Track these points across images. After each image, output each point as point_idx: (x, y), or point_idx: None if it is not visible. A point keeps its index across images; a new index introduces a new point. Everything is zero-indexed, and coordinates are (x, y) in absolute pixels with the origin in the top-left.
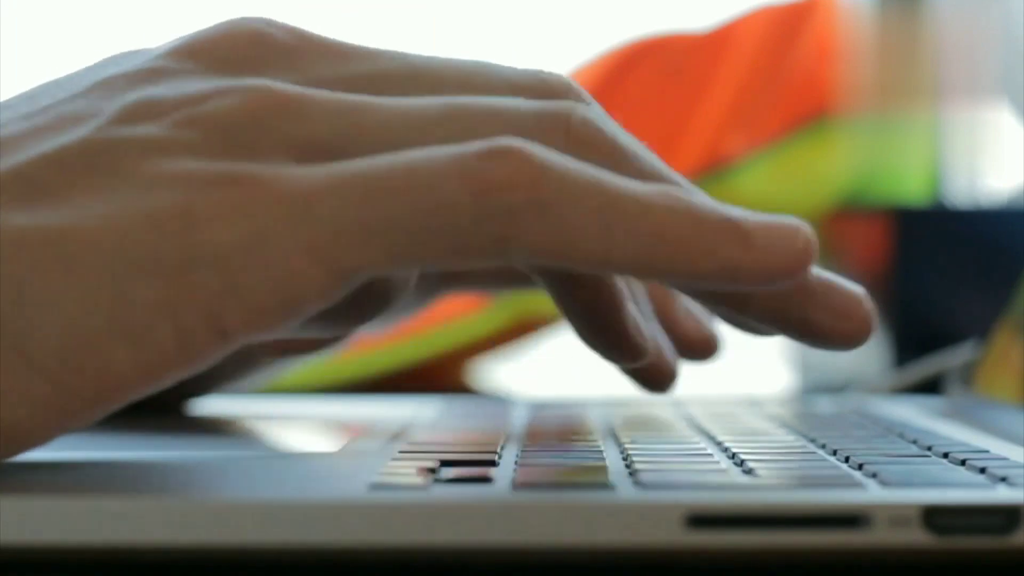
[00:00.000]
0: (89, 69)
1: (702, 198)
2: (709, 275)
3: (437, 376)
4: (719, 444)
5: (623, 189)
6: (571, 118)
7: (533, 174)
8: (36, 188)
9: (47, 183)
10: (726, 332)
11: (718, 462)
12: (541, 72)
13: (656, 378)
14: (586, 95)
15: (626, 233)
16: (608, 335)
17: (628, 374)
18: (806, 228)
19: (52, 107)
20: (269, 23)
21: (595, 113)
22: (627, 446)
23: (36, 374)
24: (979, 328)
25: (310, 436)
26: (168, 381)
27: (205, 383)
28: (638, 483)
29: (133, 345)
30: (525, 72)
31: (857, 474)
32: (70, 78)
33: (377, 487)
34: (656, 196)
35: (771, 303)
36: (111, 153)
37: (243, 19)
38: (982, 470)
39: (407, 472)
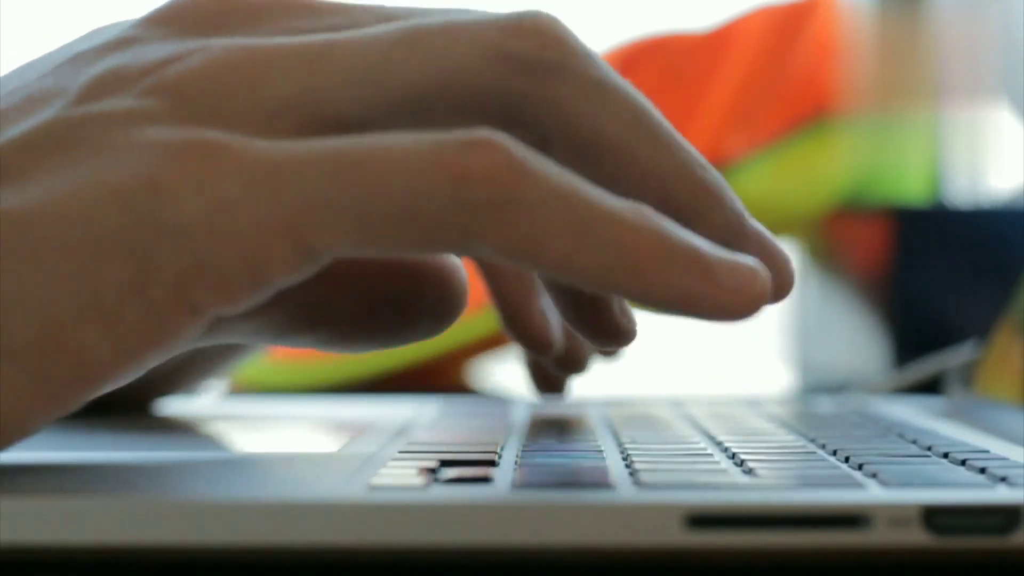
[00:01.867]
0: (66, 46)
1: (672, 224)
2: (664, 301)
3: (437, 376)
4: (719, 444)
5: (596, 200)
6: (539, 23)
7: (512, 170)
8: (2, 172)
9: (12, 166)
10: (715, 333)
11: (718, 462)
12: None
13: (564, 369)
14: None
15: (593, 246)
16: (514, 324)
17: (532, 373)
18: (765, 273)
19: (21, 88)
20: None
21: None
22: (627, 446)
23: (10, 364)
24: (979, 328)
25: (310, 436)
26: (146, 362)
27: (169, 382)
28: (638, 483)
29: (105, 326)
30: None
31: (857, 474)
32: (46, 56)
33: (377, 487)
34: (628, 213)
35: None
36: (77, 130)
37: None
38: (982, 470)
39: (407, 472)
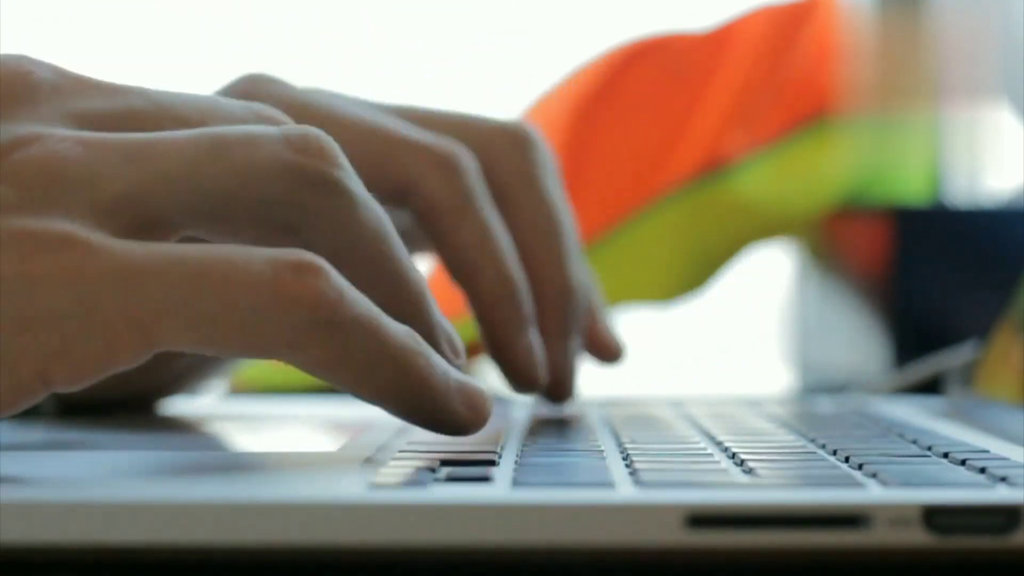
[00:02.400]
0: None
1: (430, 349)
2: (422, 418)
3: None
4: (719, 444)
5: (390, 329)
6: (320, 140)
7: (335, 296)
8: None
9: None
10: (726, 335)
11: (718, 462)
12: (272, 110)
13: (550, 395)
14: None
15: (382, 371)
16: (500, 358)
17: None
18: (491, 400)
19: None
20: (30, 60)
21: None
22: (627, 446)
23: None
24: (979, 328)
25: (310, 436)
26: None
27: (171, 386)
28: (638, 483)
29: None
30: (250, 108)
31: (857, 474)
32: None
33: (377, 487)
34: (409, 342)
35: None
36: None
37: (2, 56)
38: (982, 470)
39: (407, 472)
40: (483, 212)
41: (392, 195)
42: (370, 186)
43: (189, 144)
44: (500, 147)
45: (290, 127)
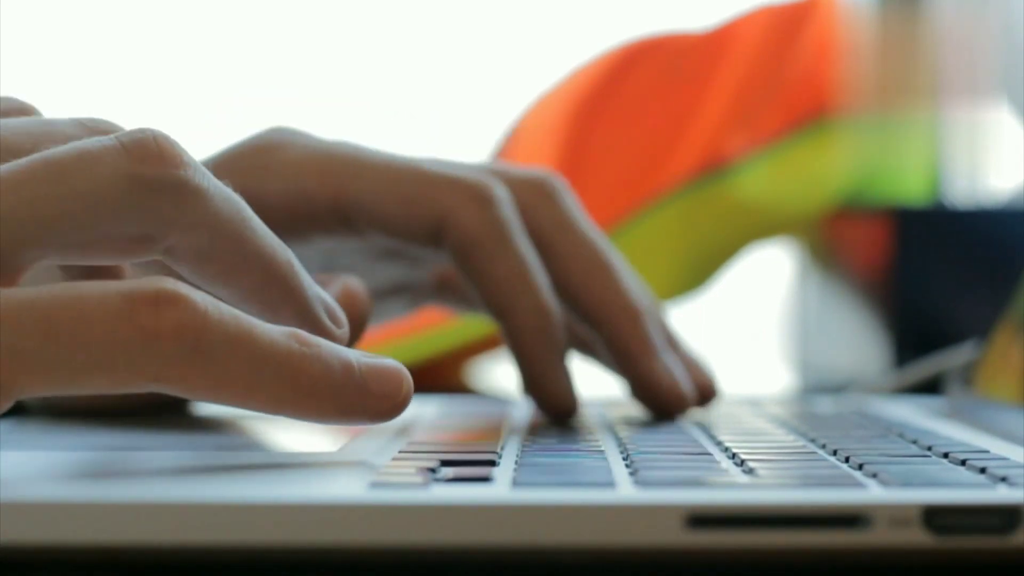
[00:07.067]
0: None
1: (323, 341)
2: (331, 416)
3: (437, 376)
4: (719, 444)
5: (266, 338)
6: (159, 142)
7: (197, 323)
8: None
9: None
10: (726, 334)
11: (718, 462)
12: (102, 121)
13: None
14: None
15: (267, 381)
16: (536, 388)
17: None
18: (408, 375)
19: None
20: None
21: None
22: (627, 446)
23: None
24: (979, 328)
25: (310, 436)
26: None
27: None
28: (638, 483)
29: None
30: (80, 122)
31: (857, 474)
32: None
33: (377, 487)
34: (292, 345)
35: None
36: None
37: None
38: (982, 470)
39: (407, 472)
40: (518, 243)
41: (428, 233)
42: (405, 226)
43: (24, 176)
44: (531, 196)
45: (124, 134)
